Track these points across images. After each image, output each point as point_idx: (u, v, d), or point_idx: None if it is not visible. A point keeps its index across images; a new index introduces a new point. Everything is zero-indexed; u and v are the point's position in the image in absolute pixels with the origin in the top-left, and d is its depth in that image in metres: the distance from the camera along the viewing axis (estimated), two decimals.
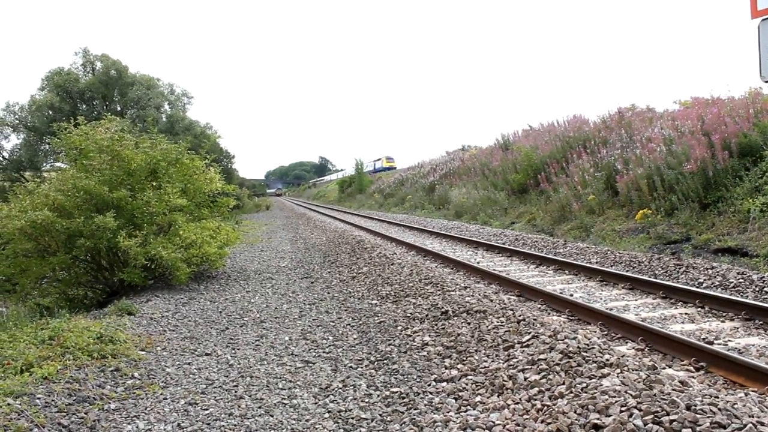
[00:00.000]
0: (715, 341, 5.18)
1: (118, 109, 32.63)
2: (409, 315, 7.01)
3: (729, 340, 5.20)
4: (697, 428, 3.06)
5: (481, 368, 4.86)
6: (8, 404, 4.19)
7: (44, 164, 31.36)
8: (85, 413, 4.38)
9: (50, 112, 30.28)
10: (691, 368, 4.50)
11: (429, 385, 4.84)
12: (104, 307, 8.40)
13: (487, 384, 4.53)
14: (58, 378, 4.87)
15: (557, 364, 4.37)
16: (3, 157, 32.19)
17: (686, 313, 6.21)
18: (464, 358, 5.21)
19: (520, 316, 5.81)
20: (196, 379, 5.40)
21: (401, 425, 4.17)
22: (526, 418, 3.77)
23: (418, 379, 5.00)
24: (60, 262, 9.71)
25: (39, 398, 4.44)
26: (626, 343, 5.31)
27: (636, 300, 6.99)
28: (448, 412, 4.20)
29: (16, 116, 31.46)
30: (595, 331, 5.61)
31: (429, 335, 6.10)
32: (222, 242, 11.44)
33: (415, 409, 4.38)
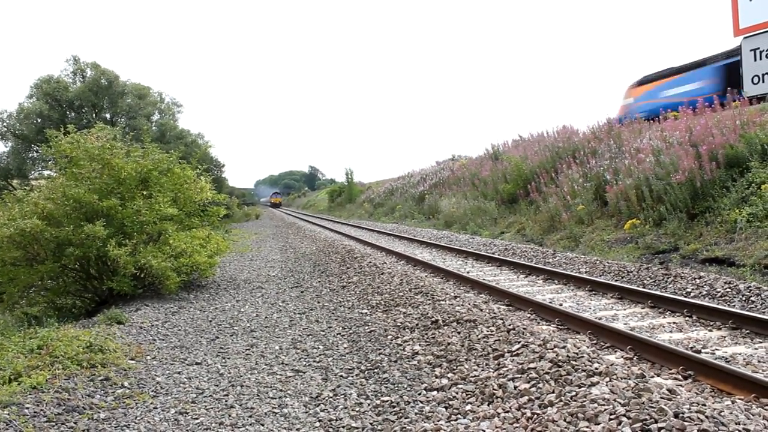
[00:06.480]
0: (703, 350, 5.23)
1: (108, 117, 32.53)
2: (399, 324, 7.02)
3: (716, 349, 5.25)
4: None
5: (472, 377, 4.88)
6: None
7: (32, 172, 31.19)
8: (75, 423, 4.36)
9: (39, 120, 30.13)
10: (679, 377, 4.54)
11: (419, 394, 4.85)
12: (93, 316, 8.34)
13: (478, 393, 4.55)
14: (47, 387, 4.84)
15: (547, 373, 4.40)
16: None
17: (674, 323, 6.27)
18: (454, 367, 5.23)
19: (509, 325, 5.84)
20: (186, 388, 5.38)
21: None
22: (516, 427, 3.80)
23: (408, 388, 5.01)
24: (48, 271, 9.63)
25: (28, 408, 4.42)
26: (615, 352, 5.35)
27: (625, 309, 7.04)
28: (438, 421, 4.21)
29: (4, 124, 31.29)
30: (585, 340, 5.66)
31: (419, 344, 6.11)
32: (212, 251, 11.41)
33: (405, 418, 4.39)
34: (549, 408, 3.87)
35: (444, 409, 4.43)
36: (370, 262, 11.95)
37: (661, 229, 10.82)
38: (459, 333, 6.05)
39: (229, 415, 4.68)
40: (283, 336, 7.28)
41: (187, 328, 7.86)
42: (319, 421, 4.51)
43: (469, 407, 4.35)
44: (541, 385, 4.26)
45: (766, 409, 3.69)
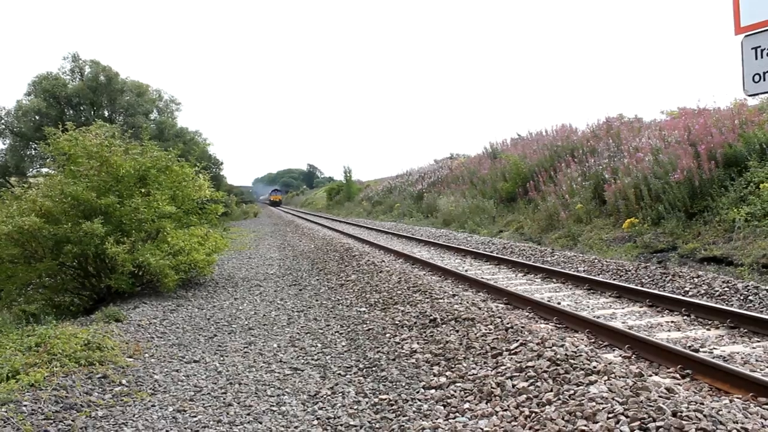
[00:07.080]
0: (701, 349, 5.23)
1: (107, 115, 32.47)
2: (397, 322, 7.02)
3: (714, 348, 5.26)
4: None
5: (470, 375, 4.88)
6: None
7: (30, 170, 31.14)
8: (73, 420, 4.35)
9: (37, 118, 30.09)
10: (677, 375, 4.55)
11: (418, 392, 4.85)
12: (91, 314, 8.33)
13: (476, 391, 4.55)
14: (45, 385, 4.83)
15: (545, 371, 4.40)
16: None
17: (672, 321, 6.27)
18: (453, 366, 5.23)
19: (508, 323, 5.84)
20: (184, 386, 5.38)
21: None
22: (515, 425, 3.80)
23: (406, 386, 5.01)
24: (47, 269, 9.62)
25: (25, 405, 4.41)
26: (613, 350, 5.35)
27: (623, 308, 7.05)
28: (436, 419, 4.21)
29: (2, 121, 31.24)
30: (583, 339, 5.66)
31: (417, 343, 6.11)
32: (210, 249, 11.39)
33: (403, 416, 4.39)
34: (547, 406, 3.87)
35: (442, 408, 4.43)
36: (368, 260, 11.95)
37: (660, 228, 10.83)
38: (457, 331, 6.05)
39: (227, 413, 4.68)
40: (281, 334, 7.28)
41: (185, 326, 7.86)
42: (318, 419, 4.51)
43: (467, 405, 4.35)
44: (539, 384, 4.26)
45: (763, 408, 3.70)
